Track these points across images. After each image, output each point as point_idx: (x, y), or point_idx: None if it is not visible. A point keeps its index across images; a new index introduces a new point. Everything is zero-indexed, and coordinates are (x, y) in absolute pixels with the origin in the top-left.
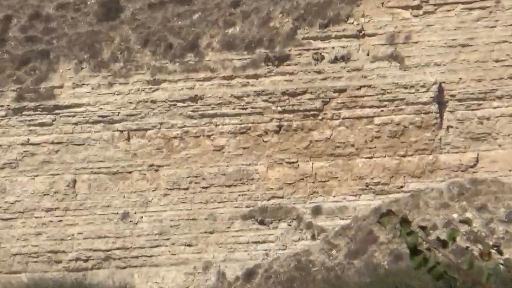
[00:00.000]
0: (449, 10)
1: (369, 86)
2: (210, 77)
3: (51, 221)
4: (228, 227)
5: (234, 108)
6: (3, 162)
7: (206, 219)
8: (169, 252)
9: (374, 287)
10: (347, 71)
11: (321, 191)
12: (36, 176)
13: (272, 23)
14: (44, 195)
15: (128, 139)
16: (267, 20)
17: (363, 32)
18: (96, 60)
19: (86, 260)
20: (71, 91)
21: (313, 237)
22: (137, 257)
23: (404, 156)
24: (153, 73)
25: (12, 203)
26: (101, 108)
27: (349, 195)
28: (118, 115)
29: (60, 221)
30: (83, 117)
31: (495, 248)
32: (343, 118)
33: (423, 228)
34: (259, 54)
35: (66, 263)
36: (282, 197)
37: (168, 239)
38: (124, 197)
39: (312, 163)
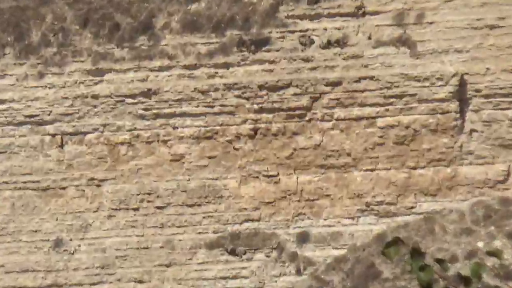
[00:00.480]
0: None
1: (371, 78)
2: (167, 66)
3: None
4: (190, 259)
5: (197, 106)
6: None
7: (161, 247)
8: None
9: None
10: (343, 59)
11: (308, 213)
12: None
13: None
14: None
15: (62, 145)
16: None
17: (363, 9)
18: (23, 44)
19: None
20: None
21: (299, 272)
22: None
23: (415, 168)
24: (95, 61)
25: None
26: (28, 106)
27: (344, 218)
28: (49, 114)
29: None
30: (5, 117)
31: None
32: (337, 119)
33: (439, 261)
34: (231, 37)
35: None
36: (258, 220)
37: (113, 273)
38: (56, 219)
39: (297, 177)
